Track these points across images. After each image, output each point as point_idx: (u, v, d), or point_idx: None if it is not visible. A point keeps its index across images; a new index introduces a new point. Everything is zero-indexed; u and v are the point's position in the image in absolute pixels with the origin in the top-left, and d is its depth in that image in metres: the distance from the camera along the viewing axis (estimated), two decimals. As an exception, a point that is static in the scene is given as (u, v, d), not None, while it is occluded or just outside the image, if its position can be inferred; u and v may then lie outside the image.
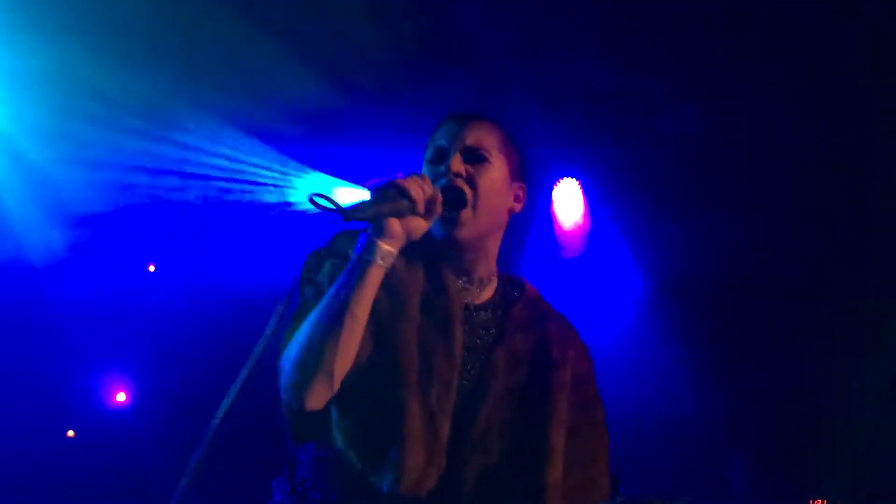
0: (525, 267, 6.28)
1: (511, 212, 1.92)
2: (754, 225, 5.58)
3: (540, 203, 6.36)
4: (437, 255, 1.85)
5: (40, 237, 5.57)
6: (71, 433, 6.42)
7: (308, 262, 1.84)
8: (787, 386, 5.44)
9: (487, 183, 1.84)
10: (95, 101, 5.10)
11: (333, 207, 1.59)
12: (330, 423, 1.77)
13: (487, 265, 1.90)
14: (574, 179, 6.35)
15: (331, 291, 1.68)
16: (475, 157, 1.84)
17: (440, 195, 1.72)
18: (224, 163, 5.92)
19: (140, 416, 6.34)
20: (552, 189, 6.38)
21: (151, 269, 6.65)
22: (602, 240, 6.26)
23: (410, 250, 1.74)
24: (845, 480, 5.29)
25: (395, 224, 1.67)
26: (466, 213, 1.81)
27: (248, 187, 6.15)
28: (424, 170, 1.88)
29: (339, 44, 5.07)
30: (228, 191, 6.09)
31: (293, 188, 6.31)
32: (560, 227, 6.36)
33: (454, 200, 1.79)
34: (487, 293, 1.91)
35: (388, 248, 1.67)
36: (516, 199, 1.92)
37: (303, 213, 6.33)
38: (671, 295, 5.95)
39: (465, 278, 1.87)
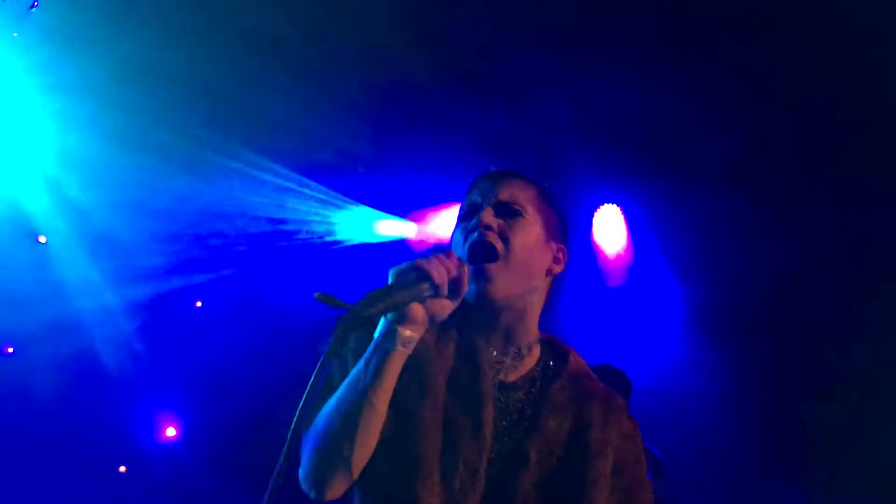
0: (565, 297, 6.27)
1: (550, 273, 1.77)
2: (802, 249, 5.50)
3: (581, 230, 6.34)
4: (471, 322, 1.69)
5: (86, 276, 5.67)
6: (123, 469, 6.50)
7: (336, 330, 1.61)
8: (835, 414, 5.35)
9: (521, 238, 1.71)
10: (140, 143, 5.19)
11: (341, 305, 1.46)
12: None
13: (526, 332, 1.74)
14: (615, 206, 6.31)
15: (350, 378, 1.57)
16: (508, 212, 1.73)
17: (467, 271, 1.58)
18: (267, 200, 6.00)
19: (190, 449, 6.40)
20: (593, 216, 6.35)
21: (198, 304, 6.74)
22: (645, 268, 6.20)
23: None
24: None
25: (416, 309, 1.54)
26: (497, 267, 1.68)
27: (291, 224, 6.22)
28: (456, 230, 1.76)
29: (375, 72, 5.12)
30: (273, 228, 6.18)
31: (336, 223, 6.37)
32: (602, 255, 6.31)
33: (484, 253, 1.68)
34: (526, 366, 1.75)
35: (409, 334, 1.55)
36: (555, 260, 1.78)
37: (347, 248, 6.40)
38: (717, 323, 5.88)
39: (500, 349, 1.72)
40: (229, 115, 5.23)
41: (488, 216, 1.71)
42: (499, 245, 1.70)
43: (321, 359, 1.52)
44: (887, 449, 5.04)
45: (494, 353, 1.72)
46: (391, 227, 6.45)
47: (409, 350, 1.56)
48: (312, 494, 1.60)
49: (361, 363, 1.57)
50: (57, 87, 4.92)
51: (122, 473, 6.49)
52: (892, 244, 5.15)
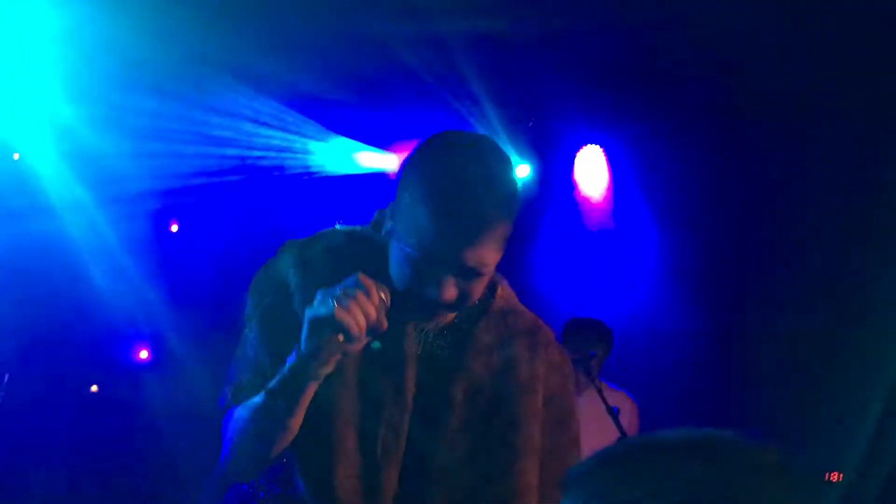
0: (545, 238, 6.27)
1: None
2: (790, 200, 5.51)
3: (562, 171, 6.31)
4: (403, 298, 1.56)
5: (71, 194, 5.62)
6: (94, 388, 6.53)
7: (253, 286, 1.67)
8: (802, 359, 5.43)
9: (478, 289, 1.58)
10: (124, 63, 5.11)
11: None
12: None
13: None
14: (598, 146, 6.28)
15: (265, 395, 1.50)
16: (472, 274, 1.54)
17: (384, 320, 1.48)
18: (248, 126, 5.93)
19: (160, 373, 6.43)
20: (574, 157, 6.32)
21: (174, 228, 6.70)
22: (627, 211, 6.19)
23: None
24: (862, 454, 5.28)
25: (332, 354, 1.48)
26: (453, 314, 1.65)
27: (270, 152, 6.16)
28: (402, 258, 1.53)
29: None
30: (251, 157, 6.11)
31: (313, 153, 6.31)
32: (583, 197, 6.29)
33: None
34: (450, 315, 1.65)
35: (324, 370, 1.49)
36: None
37: (322, 179, 6.35)
38: (697, 266, 5.90)
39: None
40: (210, 37, 5.11)
41: (450, 291, 1.53)
42: (453, 308, 1.61)
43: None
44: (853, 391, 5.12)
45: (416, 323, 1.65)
46: (372, 160, 6.39)
47: (323, 376, 1.52)
48: (231, 477, 1.66)
49: (276, 383, 1.48)
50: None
51: (93, 393, 6.53)
52: (888, 186, 5.14)
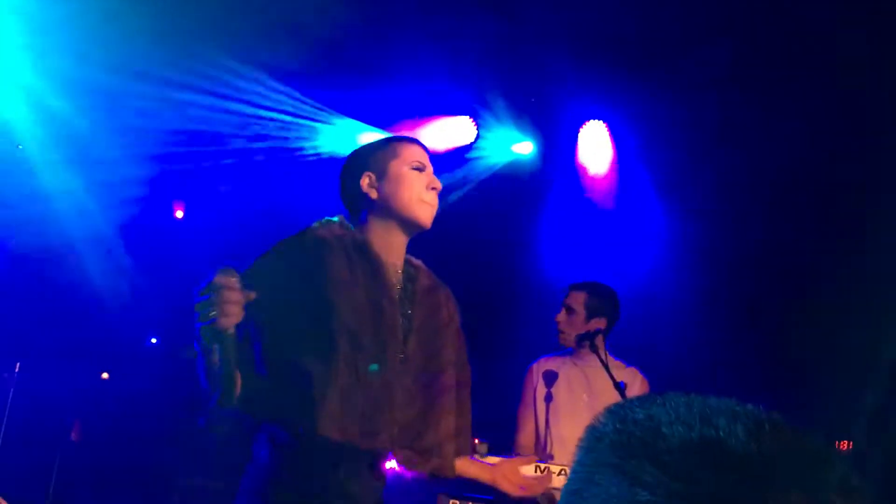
0: (549, 215, 6.26)
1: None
2: (790, 161, 5.46)
3: (565, 147, 6.28)
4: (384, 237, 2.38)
5: (67, 185, 5.62)
6: (105, 375, 6.57)
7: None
8: (806, 330, 5.42)
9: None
10: (113, 46, 5.08)
11: None
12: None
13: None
14: (601, 122, 6.23)
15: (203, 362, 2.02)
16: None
17: (240, 311, 1.94)
18: (246, 108, 5.91)
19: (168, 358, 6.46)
20: (577, 133, 6.27)
21: (179, 214, 6.71)
22: (631, 187, 6.15)
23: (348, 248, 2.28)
24: (869, 424, 5.29)
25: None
26: None
27: (273, 136, 6.14)
28: (406, 175, 2.39)
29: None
30: (253, 140, 6.09)
31: (319, 135, 6.29)
32: (586, 174, 6.26)
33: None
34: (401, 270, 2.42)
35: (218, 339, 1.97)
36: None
37: (324, 160, 6.33)
38: (702, 242, 5.87)
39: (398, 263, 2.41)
40: (208, 23, 5.09)
41: (436, 190, 2.42)
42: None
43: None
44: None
45: (389, 266, 2.36)
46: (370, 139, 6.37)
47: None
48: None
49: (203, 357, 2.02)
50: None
51: (104, 380, 6.57)
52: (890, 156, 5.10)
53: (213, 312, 1.88)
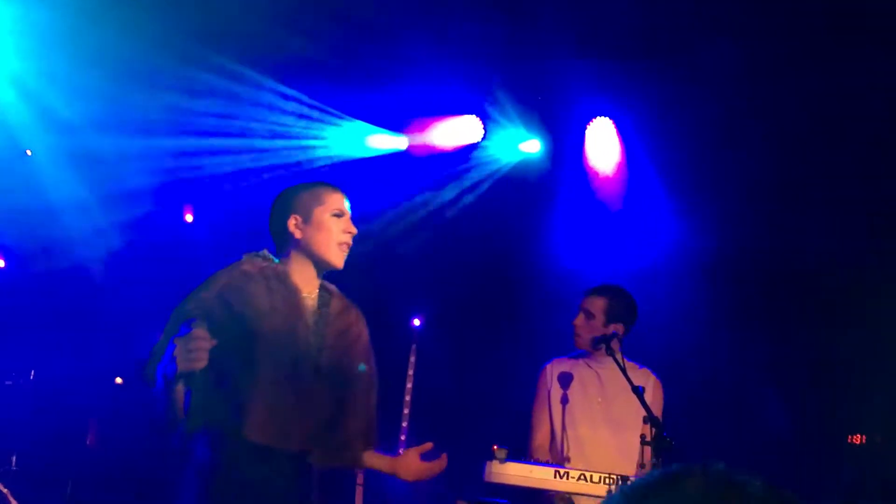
0: (557, 213, 6.25)
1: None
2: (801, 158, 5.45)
3: (573, 145, 6.27)
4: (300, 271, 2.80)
5: (72, 192, 5.63)
6: (119, 380, 6.59)
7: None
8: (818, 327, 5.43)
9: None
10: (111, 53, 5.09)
11: None
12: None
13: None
14: (608, 119, 6.21)
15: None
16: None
17: (204, 356, 2.41)
18: (252, 115, 5.91)
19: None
20: (585, 130, 6.25)
21: (189, 218, 6.71)
22: (639, 185, 6.13)
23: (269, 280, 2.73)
24: (884, 416, 5.29)
25: None
26: None
27: (278, 139, 6.14)
28: (325, 221, 2.79)
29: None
30: (258, 143, 6.09)
31: (325, 137, 6.29)
32: (593, 173, 6.24)
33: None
34: (314, 294, 2.83)
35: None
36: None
37: (332, 162, 6.34)
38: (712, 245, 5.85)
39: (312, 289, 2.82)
40: (210, 24, 5.09)
41: (350, 234, 2.82)
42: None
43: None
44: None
45: (304, 294, 2.79)
46: (383, 141, 6.37)
47: None
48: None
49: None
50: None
51: (118, 385, 6.59)
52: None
53: (191, 356, 2.36)
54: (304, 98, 6.00)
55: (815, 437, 5.49)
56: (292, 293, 2.72)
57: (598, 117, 6.19)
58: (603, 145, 6.20)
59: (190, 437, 2.61)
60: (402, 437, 6.19)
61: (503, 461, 2.99)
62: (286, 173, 6.14)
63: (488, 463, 3.00)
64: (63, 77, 5.18)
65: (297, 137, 6.18)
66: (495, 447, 2.98)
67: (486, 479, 3.00)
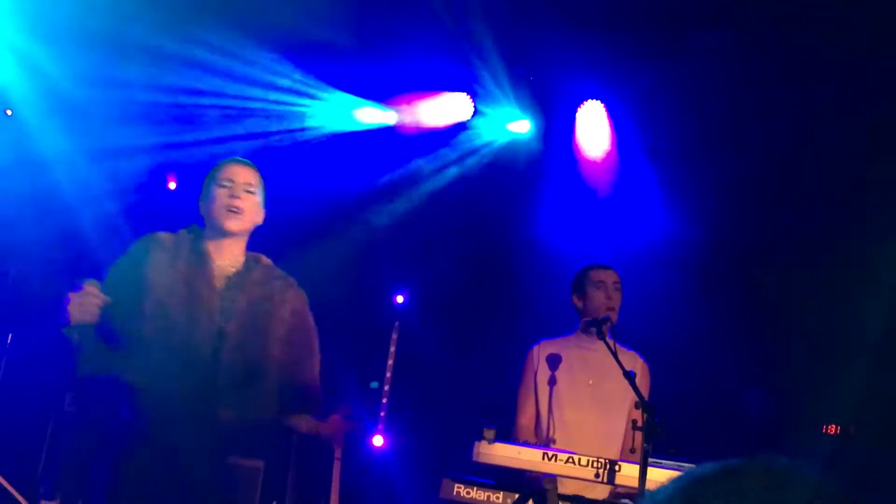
0: (546, 194, 6.23)
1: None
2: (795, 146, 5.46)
3: (563, 126, 6.25)
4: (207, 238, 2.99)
5: (66, 156, 5.55)
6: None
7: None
8: (794, 319, 5.47)
9: (252, 204, 3.02)
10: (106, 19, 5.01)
11: None
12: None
13: (242, 251, 3.02)
14: (599, 101, 6.18)
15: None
16: (247, 192, 3.00)
17: (96, 310, 2.74)
18: (240, 86, 5.84)
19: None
20: (575, 111, 6.22)
21: (172, 185, 6.64)
22: (631, 171, 6.12)
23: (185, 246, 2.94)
24: (857, 407, 5.35)
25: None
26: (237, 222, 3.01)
27: (266, 105, 6.07)
28: (212, 190, 2.98)
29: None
30: (247, 114, 6.03)
31: (313, 110, 6.22)
32: (584, 157, 6.22)
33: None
34: (237, 265, 2.98)
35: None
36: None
37: (319, 135, 6.29)
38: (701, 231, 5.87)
39: (226, 260, 2.97)
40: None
41: (237, 198, 2.96)
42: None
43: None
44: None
45: (220, 262, 2.96)
46: (371, 115, 6.32)
47: None
48: None
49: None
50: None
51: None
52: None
53: (83, 310, 2.67)
54: (292, 69, 5.92)
55: (791, 426, 5.55)
56: (202, 259, 2.90)
57: (589, 100, 6.16)
58: (593, 127, 6.17)
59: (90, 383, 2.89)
60: (382, 414, 6.20)
61: (491, 442, 2.99)
62: (273, 143, 6.09)
63: (476, 443, 3.00)
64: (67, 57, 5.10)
65: (284, 108, 6.12)
66: (484, 428, 2.98)
67: (475, 458, 3.00)
